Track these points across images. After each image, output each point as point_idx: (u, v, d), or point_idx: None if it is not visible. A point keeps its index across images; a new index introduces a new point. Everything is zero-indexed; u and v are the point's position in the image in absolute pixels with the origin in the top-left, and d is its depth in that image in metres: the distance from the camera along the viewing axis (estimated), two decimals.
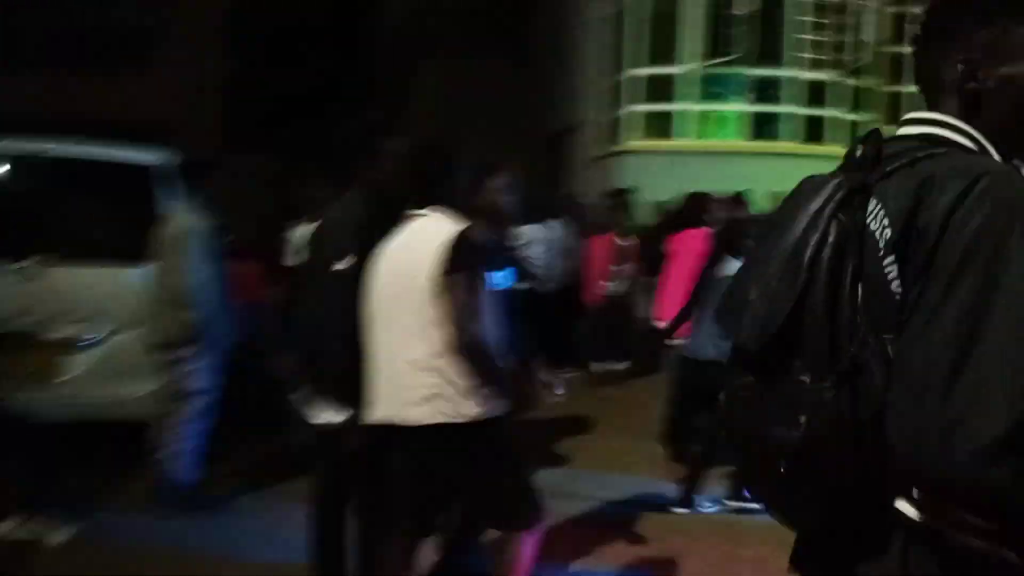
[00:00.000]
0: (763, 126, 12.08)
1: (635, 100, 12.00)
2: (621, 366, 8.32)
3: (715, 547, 4.26)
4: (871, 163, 1.26)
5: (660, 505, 4.82)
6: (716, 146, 11.70)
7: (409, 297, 2.64)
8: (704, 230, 5.18)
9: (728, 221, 4.75)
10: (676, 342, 5.20)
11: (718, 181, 10.24)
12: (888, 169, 1.24)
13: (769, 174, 10.03)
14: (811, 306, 1.22)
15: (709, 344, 4.37)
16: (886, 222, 1.20)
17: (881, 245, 1.19)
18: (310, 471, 3.41)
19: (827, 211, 1.25)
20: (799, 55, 11.89)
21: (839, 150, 11.99)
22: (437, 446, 2.64)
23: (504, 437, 2.73)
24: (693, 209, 5.27)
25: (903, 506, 1.18)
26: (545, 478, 5.11)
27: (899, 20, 14.27)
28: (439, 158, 2.87)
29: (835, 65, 11.88)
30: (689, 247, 5.15)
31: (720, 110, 12.06)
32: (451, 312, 2.55)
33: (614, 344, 8.27)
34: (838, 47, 11.74)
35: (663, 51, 12.02)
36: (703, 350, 4.45)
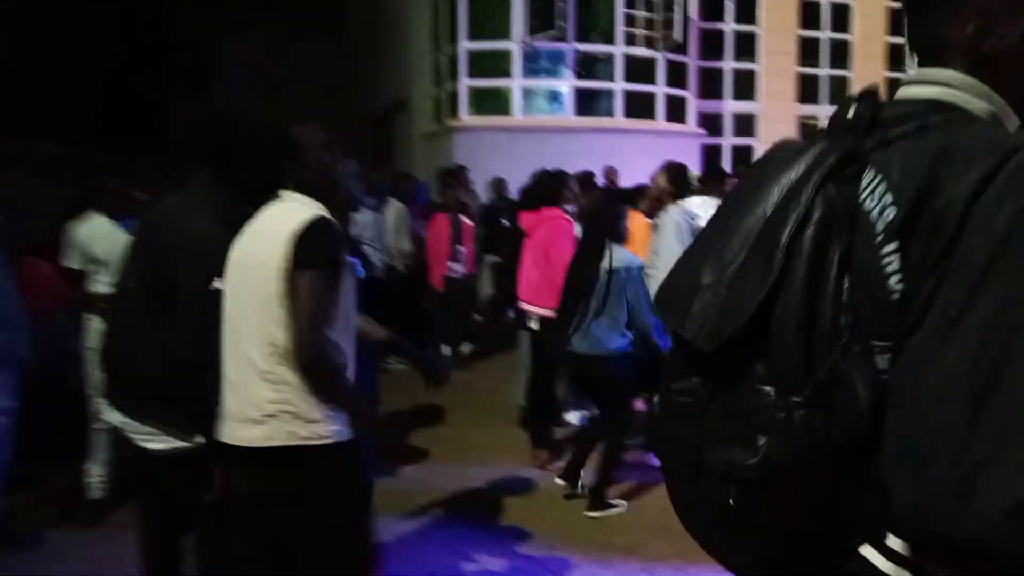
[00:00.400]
0: (590, 102, 12.17)
1: (464, 75, 11.73)
2: (467, 349, 8.11)
3: (590, 539, 4.13)
4: (866, 127, 1.03)
5: (527, 494, 4.65)
6: (546, 122, 11.68)
7: (254, 294, 2.23)
8: (558, 209, 4.99)
9: (600, 204, 4.56)
10: (531, 323, 5.02)
11: (550, 157, 10.27)
12: (888, 135, 1.01)
13: (600, 149, 10.09)
14: (784, 299, 0.98)
15: (594, 339, 4.17)
16: (887, 199, 0.96)
17: (879, 229, 0.96)
18: (135, 500, 2.96)
19: (812, 182, 1.00)
20: (626, 30, 12.04)
21: (668, 126, 12.41)
22: (275, 474, 2.24)
23: (352, 468, 2.32)
24: (550, 187, 5.05)
25: (871, 554, 0.97)
26: (404, 473, 4.87)
27: None
28: (286, 139, 2.43)
29: (658, 41, 12.14)
30: (550, 227, 4.92)
31: (550, 86, 12.01)
32: (294, 316, 2.15)
33: (461, 326, 8.04)
34: (662, 22, 12.01)
35: (492, 25, 11.80)
36: (583, 345, 4.23)
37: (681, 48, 12.78)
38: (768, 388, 0.98)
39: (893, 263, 0.95)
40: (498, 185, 10.02)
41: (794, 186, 1.02)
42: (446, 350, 7.82)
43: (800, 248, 0.98)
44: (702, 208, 5.29)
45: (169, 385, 2.50)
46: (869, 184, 0.99)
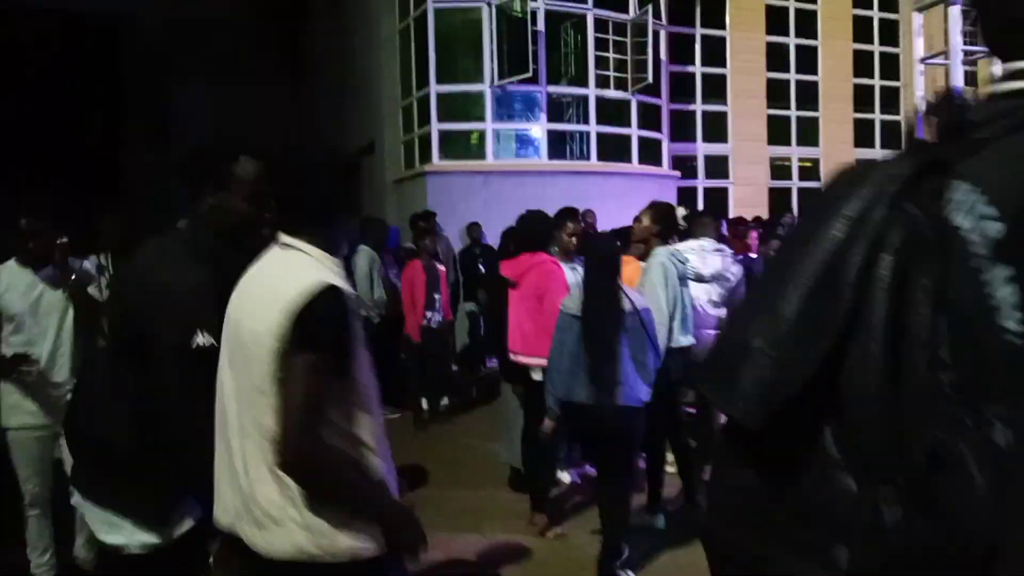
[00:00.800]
0: (564, 145, 12.03)
1: (436, 119, 11.52)
2: (446, 402, 7.72)
3: None
4: (951, 133, 0.80)
5: (525, 563, 4.25)
6: (520, 165, 11.51)
7: (249, 368, 1.77)
8: (544, 253, 4.66)
9: (598, 244, 4.22)
10: (534, 375, 4.65)
11: (524, 201, 10.02)
12: (976, 137, 0.78)
13: (575, 192, 9.89)
14: (858, 353, 0.74)
15: (610, 388, 3.79)
16: (987, 212, 0.72)
17: (980, 251, 0.72)
18: None
19: (883, 203, 0.77)
20: (599, 73, 11.96)
21: (642, 168, 12.27)
22: None
23: None
24: (539, 229, 4.72)
25: None
26: None
27: (688, 41, 14.92)
28: (317, 170, 1.93)
29: (632, 83, 12.09)
30: (540, 271, 4.59)
31: (522, 129, 11.86)
32: (283, 407, 1.68)
33: (438, 378, 7.65)
34: (635, 65, 11.96)
35: (463, 69, 11.65)
36: (571, 392, 3.85)
37: (653, 90, 12.73)
38: (847, 477, 0.74)
39: (1004, 294, 0.70)
40: (473, 230, 9.76)
41: (861, 213, 0.78)
42: (424, 403, 7.42)
43: (875, 284, 0.75)
44: (696, 253, 5.02)
45: (138, 460, 2.10)
46: (959, 198, 0.75)
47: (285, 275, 1.78)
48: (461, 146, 11.80)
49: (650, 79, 12.08)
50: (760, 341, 0.79)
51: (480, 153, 11.62)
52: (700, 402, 5.16)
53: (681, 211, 4.92)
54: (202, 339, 2.06)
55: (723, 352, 0.86)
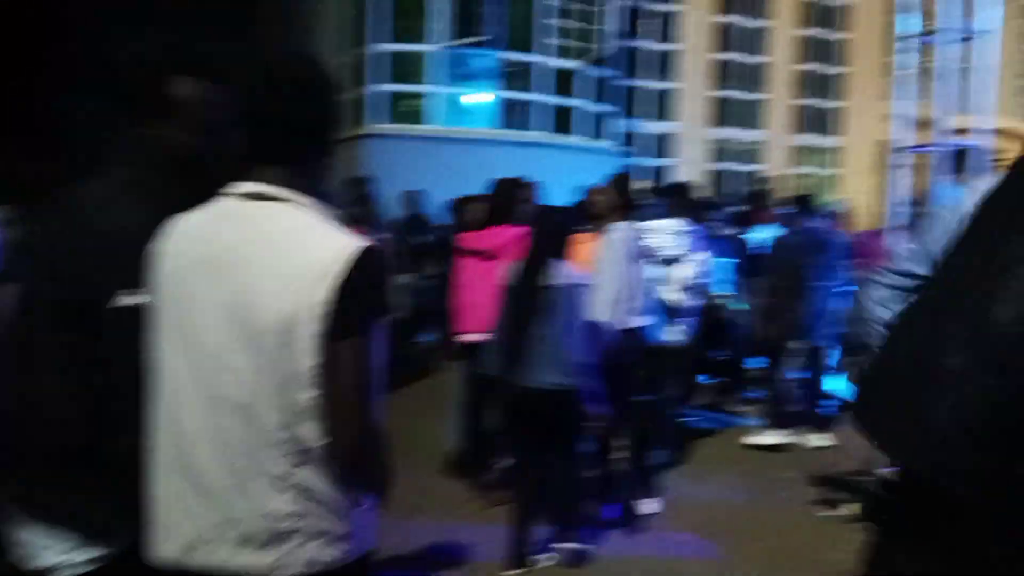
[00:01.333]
0: (513, 114, 11.68)
1: (379, 80, 11.02)
2: None
3: None
4: None
5: (462, 555, 3.98)
6: (468, 133, 11.10)
7: (259, 357, 1.40)
8: (511, 227, 4.32)
9: (548, 215, 3.90)
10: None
11: (471, 170, 9.69)
12: None
13: (523, 163, 9.62)
14: None
15: (541, 370, 3.53)
16: None
17: None
18: None
19: None
20: (548, 42, 11.62)
21: (587, 142, 12.03)
22: None
23: None
24: (512, 198, 4.37)
25: None
26: None
27: (634, 14, 14.68)
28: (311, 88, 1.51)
29: (580, 54, 11.79)
30: (511, 245, 4.23)
31: (472, 95, 11.46)
32: (335, 397, 1.37)
33: None
34: (584, 36, 11.66)
35: (409, 27, 11.15)
36: (532, 377, 3.58)
37: (605, 63, 12.47)
38: None
39: None
40: (415, 198, 9.36)
41: None
42: None
43: None
44: (660, 232, 4.78)
45: (96, 456, 1.67)
46: None
47: (300, 238, 1.41)
48: (404, 110, 11.35)
49: (603, 52, 11.81)
50: (963, 358, 0.62)
51: (424, 117, 11.19)
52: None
53: (641, 184, 4.64)
54: (130, 297, 1.64)
55: (893, 375, 0.59)
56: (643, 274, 4.38)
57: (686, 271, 4.72)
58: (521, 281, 3.63)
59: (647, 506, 4.46)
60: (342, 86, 1.67)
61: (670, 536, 4.19)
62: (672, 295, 4.71)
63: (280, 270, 1.39)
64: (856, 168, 17.00)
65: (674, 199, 4.94)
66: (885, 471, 0.76)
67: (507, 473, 4.42)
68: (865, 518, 0.77)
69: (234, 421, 1.42)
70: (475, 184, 5.53)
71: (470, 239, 4.54)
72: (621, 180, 4.74)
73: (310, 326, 1.36)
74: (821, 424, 5.73)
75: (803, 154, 17.13)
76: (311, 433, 1.39)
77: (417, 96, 11.40)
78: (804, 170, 17.36)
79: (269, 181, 1.46)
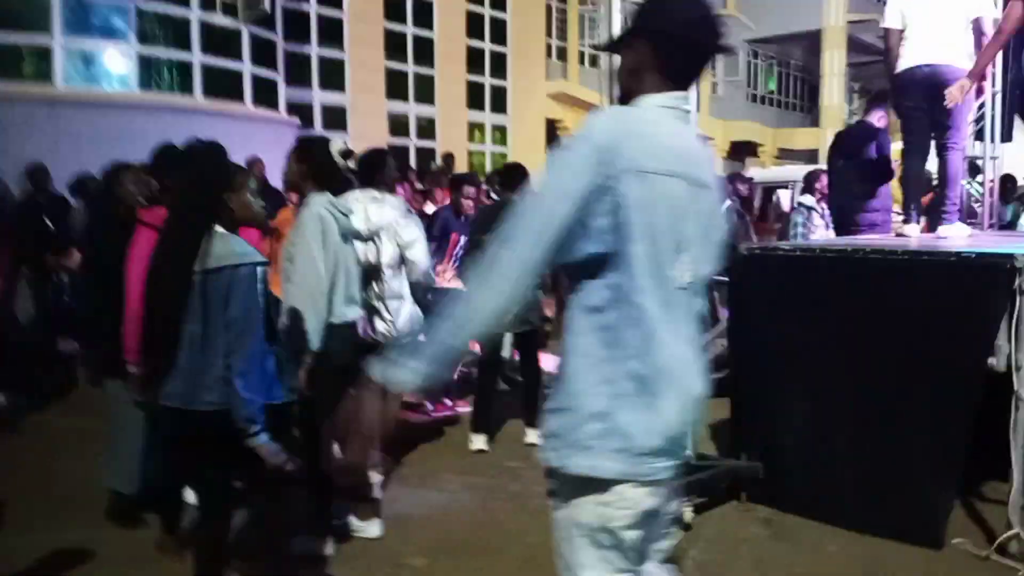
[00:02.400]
0: (160, 73, 10.07)
1: None
2: (2, 400, 5.84)
3: None
4: None
5: None
6: (100, 96, 9.37)
7: None
8: None
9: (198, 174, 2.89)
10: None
11: (103, 140, 8.19)
12: None
13: (174, 131, 8.25)
14: None
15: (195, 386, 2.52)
16: None
17: None
18: None
19: None
20: None
21: (245, 108, 10.74)
22: None
23: None
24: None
25: None
26: None
27: None
28: None
29: (238, 11, 10.50)
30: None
31: (105, 49, 9.67)
32: None
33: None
34: None
35: None
36: (183, 396, 2.55)
37: (268, 23, 11.28)
38: None
39: None
40: (38, 173, 7.61)
41: None
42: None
43: None
44: (363, 204, 4.04)
45: None
46: None
47: None
48: (19, 65, 9.26)
49: (266, 8, 10.62)
50: None
51: (45, 75, 9.22)
52: None
53: (338, 146, 3.81)
54: None
55: None
56: (351, 255, 3.61)
57: (414, 252, 4.03)
58: (166, 264, 2.61)
59: (369, 529, 3.77)
60: None
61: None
62: (392, 280, 4.00)
63: None
64: (524, 146, 17.61)
65: (376, 170, 4.17)
66: None
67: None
68: None
69: None
70: (110, 156, 4.46)
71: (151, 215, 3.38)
72: (312, 143, 3.90)
73: None
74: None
75: (473, 130, 17.32)
76: None
77: (37, 49, 9.40)
78: (475, 147, 17.59)
79: None
